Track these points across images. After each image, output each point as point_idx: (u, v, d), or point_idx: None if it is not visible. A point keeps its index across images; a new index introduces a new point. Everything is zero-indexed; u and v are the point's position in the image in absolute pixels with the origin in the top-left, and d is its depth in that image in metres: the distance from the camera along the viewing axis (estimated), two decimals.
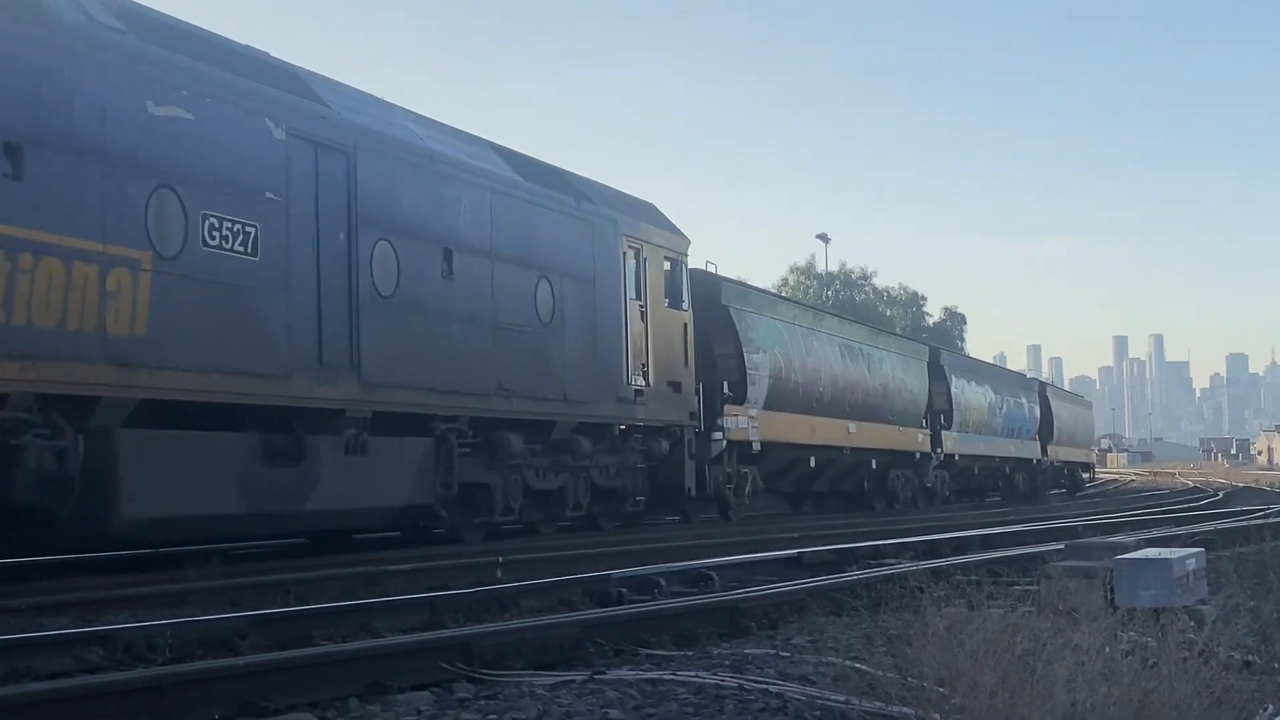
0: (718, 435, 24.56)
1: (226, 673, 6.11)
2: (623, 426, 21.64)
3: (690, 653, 7.73)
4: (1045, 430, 49.46)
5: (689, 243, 24.50)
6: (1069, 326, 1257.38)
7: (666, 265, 23.42)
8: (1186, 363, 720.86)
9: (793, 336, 29.52)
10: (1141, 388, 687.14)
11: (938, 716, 5.20)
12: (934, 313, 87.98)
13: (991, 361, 74.24)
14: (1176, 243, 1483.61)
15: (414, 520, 17.64)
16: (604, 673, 6.86)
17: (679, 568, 12.00)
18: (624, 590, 10.60)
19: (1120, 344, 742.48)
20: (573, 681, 6.63)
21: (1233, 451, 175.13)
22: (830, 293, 76.49)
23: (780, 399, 27.72)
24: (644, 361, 21.93)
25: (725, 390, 25.26)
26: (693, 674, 6.77)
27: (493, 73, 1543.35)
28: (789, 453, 28.71)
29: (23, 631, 8.29)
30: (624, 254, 21.71)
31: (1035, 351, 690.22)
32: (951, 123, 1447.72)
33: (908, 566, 11.49)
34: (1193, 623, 5.78)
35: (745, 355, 26.08)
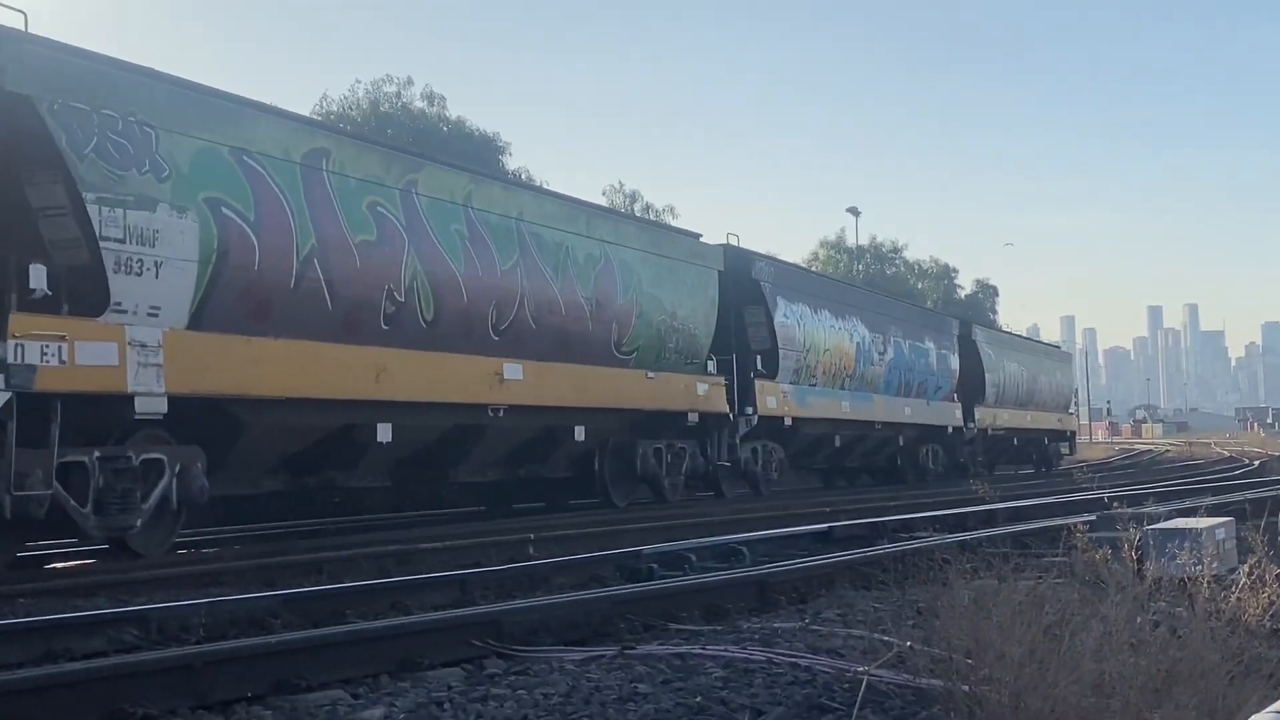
0: None
1: (259, 651, 6.18)
2: None
3: (720, 627, 7.77)
4: (970, 387, 37.56)
5: None
6: (1102, 297, 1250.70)
7: None
8: (1221, 332, 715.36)
9: (297, 186, 14.79)
10: (1176, 358, 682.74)
11: (966, 688, 5.21)
12: (966, 285, 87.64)
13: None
14: (1210, 211, 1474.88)
15: None
16: (633, 648, 6.90)
17: (709, 543, 12.03)
18: (655, 566, 10.64)
19: (1154, 314, 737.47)
20: (602, 656, 6.67)
21: (1269, 420, 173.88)
22: (860, 266, 76.25)
23: (253, 310, 14.10)
24: None
25: (39, 286, 11.81)
26: (722, 648, 6.80)
27: (519, 64, 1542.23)
28: (311, 417, 15.07)
29: (58, 612, 8.39)
30: None
31: (1069, 323, 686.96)
32: (985, 93, 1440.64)
33: (935, 540, 11.51)
34: (1221, 592, 5.76)
35: (100, 212, 12.29)
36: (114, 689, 5.52)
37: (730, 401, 24.08)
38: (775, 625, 7.70)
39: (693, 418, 22.87)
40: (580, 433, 19.97)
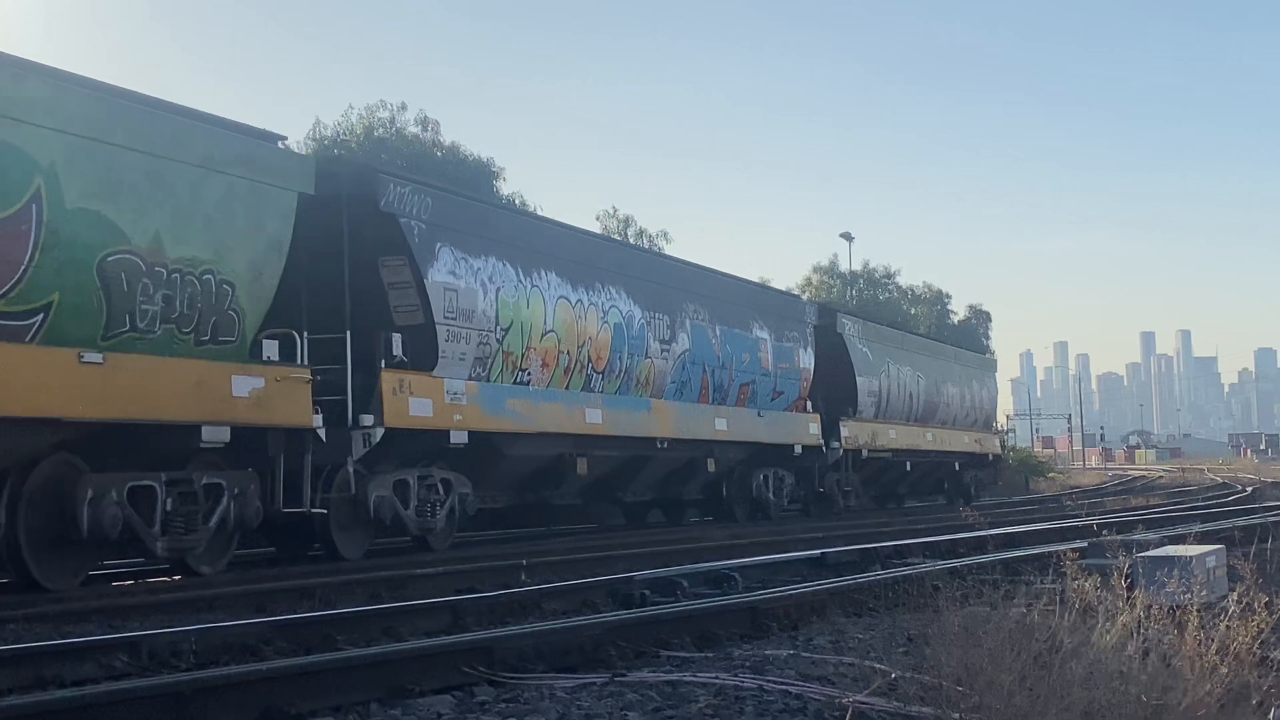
0: None
1: (249, 678, 6.17)
2: None
3: (711, 654, 7.77)
4: (834, 394, 29.03)
5: None
6: (1096, 323, 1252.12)
7: None
8: (1215, 358, 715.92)
9: None
10: (1170, 384, 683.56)
11: (957, 716, 5.22)
12: (959, 311, 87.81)
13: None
14: (1203, 237, 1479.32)
15: None
16: (625, 675, 6.90)
17: (702, 569, 12.06)
18: (647, 592, 10.65)
19: (1148, 340, 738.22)
20: (593, 684, 6.67)
21: (1262, 447, 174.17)
22: (854, 292, 76.45)
23: None
24: None
25: None
26: (713, 675, 6.80)
27: (513, 91, 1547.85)
28: None
29: (49, 638, 8.38)
30: None
31: (1062, 348, 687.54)
32: (977, 117, 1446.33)
33: (926, 567, 11.53)
34: (1211, 620, 5.78)
35: None
36: (103, 717, 5.51)
37: (344, 408, 15.67)
38: (766, 652, 7.70)
39: (215, 434, 13.60)
40: None
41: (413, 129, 49.40)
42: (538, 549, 17.01)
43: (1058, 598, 6.05)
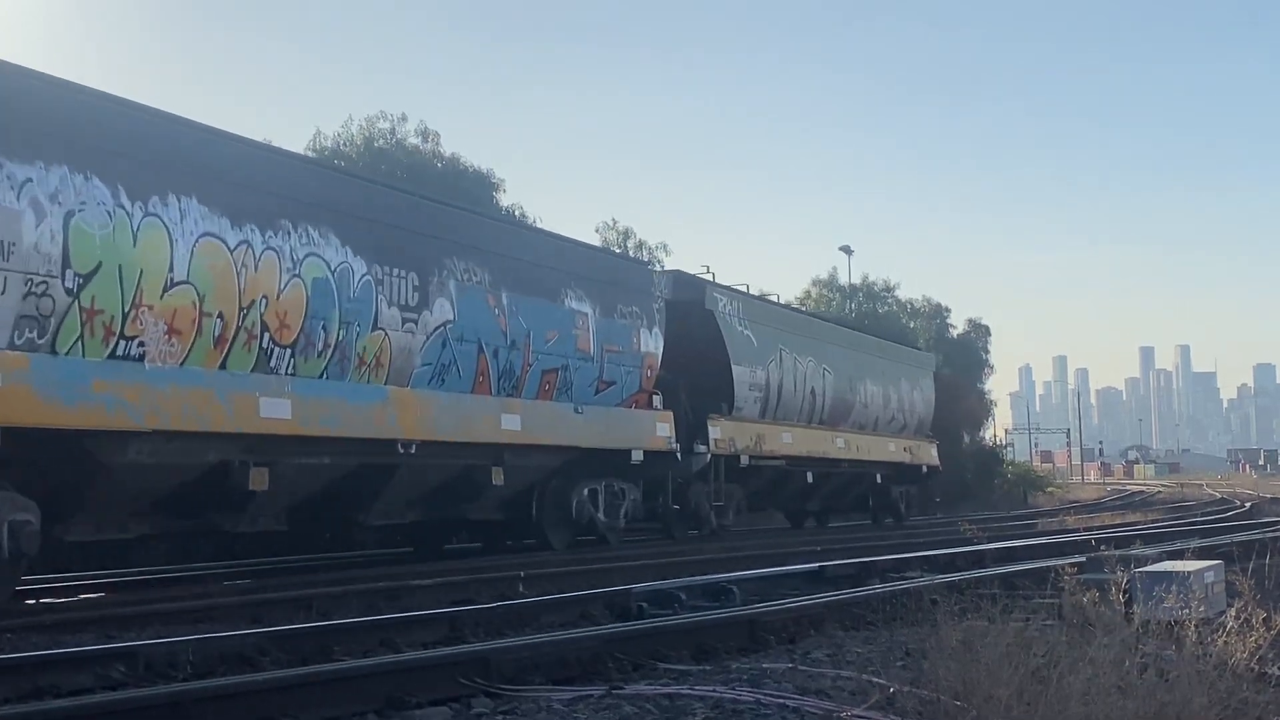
0: None
1: (246, 689, 6.16)
2: None
3: (709, 667, 7.75)
4: (703, 389, 23.32)
5: None
6: (1095, 337, 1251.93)
7: None
8: (1214, 373, 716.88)
9: None
10: (1169, 398, 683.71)
11: None
12: (958, 325, 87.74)
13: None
14: (1202, 252, 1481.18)
15: None
16: (622, 687, 6.88)
17: (700, 581, 12.04)
18: (644, 604, 10.64)
19: (1146, 355, 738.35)
20: (590, 696, 6.66)
21: (1260, 462, 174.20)
22: (853, 305, 76.46)
23: None
24: None
25: None
26: (710, 689, 6.79)
27: (512, 103, 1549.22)
28: None
29: (46, 648, 8.36)
30: None
31: (1061, 362, 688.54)
32: (977, 129, 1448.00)
33: (924, 581, 11.52)
34: (1210, 635, 5.78)
35: None
36: None
37: None
38: (764, 665, 7.69)
39: None
40: None
41: (413, 140, 49.40)
42: (536, 560, 16.95)
43: (1056, 612, 6.05)
